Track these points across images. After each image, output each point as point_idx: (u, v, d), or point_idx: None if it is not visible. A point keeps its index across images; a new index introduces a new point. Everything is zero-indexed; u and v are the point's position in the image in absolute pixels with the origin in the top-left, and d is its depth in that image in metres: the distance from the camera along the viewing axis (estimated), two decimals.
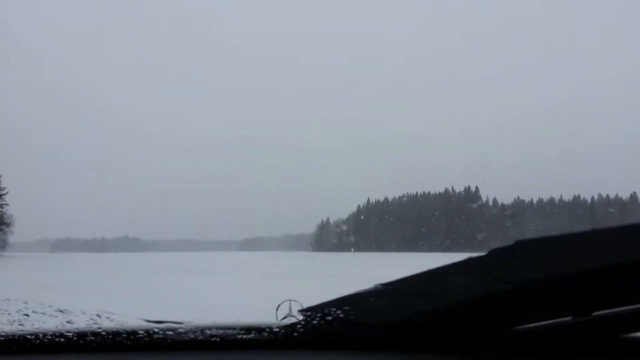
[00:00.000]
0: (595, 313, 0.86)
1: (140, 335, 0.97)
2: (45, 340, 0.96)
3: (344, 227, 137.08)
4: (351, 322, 0.93)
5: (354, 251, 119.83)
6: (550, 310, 0.85)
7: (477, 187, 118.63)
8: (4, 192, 70.68)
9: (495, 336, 0.92)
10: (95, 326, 0.99)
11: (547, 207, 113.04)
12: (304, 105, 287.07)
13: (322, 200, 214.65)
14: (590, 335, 0.91)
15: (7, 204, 72.16)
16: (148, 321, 1.01)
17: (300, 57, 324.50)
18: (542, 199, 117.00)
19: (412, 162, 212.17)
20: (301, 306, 2.07)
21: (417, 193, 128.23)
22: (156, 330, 0.98)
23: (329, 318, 0.95)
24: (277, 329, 0.99)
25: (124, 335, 0.97)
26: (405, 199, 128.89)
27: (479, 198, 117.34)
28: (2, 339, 0.95)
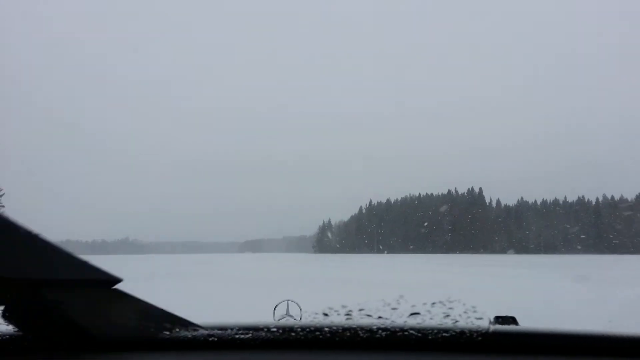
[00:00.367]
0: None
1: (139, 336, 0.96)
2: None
3: (346, 229, 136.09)
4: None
5: (358, 252, 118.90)
6: None
7: (480, 189, 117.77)
8: (0, 193, 69.34)
9: (495, 336, 0.93)
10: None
11: (551, 209, 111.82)
12: (303, 107, 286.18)
13: (323, 202, 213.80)
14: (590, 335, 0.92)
15: (3, 206, 70.61)
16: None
17: (299, 57, 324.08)
18: (546, 200, 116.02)
19: (414, 163, 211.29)
20: (299, 306, 2.17)
21: (419, 194, 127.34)
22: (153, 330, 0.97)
23: (329, 317, 0.95)
24: (274, 329, 0.98)
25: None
26: (408, 200, 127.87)
27: (483, 199, 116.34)
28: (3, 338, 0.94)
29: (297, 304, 2.24)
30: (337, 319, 1.02)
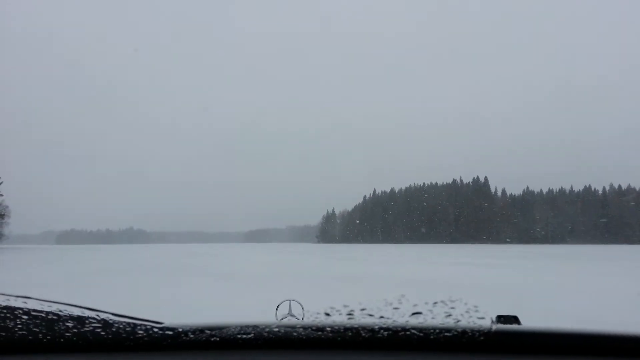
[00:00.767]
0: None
1: (140, 335, 0.96)
2: (45, 340, 0.95)
3: (350, 219, 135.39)
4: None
5: (362, 242, 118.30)
6: None
7: (486, 178, 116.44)
8: None
9: (497, 336, 0.93)
10: (94, 326, 0.97)
11: (558, 198, 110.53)
12: (309, 98, 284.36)
13: (327, 191, 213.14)
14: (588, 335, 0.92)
15: (1, 195, 69.46)
16: (147, 321, 1.00)
17: (305, 52, 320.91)
18: (552, 189, 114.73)
19: (418, 153, 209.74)
20: (301, 306, 2.18)
21: (424, 184, 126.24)
22: (156, 330, 0.97)
23: (329, 317, 0.95)
24: (276, 329, 0.98)
25: (124, 335, 0.96)
26: (412, 189, 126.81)
27: (488, 189, 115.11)
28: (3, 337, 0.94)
29: (299, 303, 2.22)
30: (339, 319, 1.02)
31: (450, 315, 1.00)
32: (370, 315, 1.02)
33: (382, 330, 0.95)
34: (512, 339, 0.94)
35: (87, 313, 0.93)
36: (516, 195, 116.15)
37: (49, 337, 0.95)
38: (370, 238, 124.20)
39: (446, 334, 0.94)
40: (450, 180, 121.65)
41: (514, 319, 1.19)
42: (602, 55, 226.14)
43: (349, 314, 1.04)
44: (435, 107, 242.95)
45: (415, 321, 1.00)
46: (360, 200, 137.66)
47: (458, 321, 0.98)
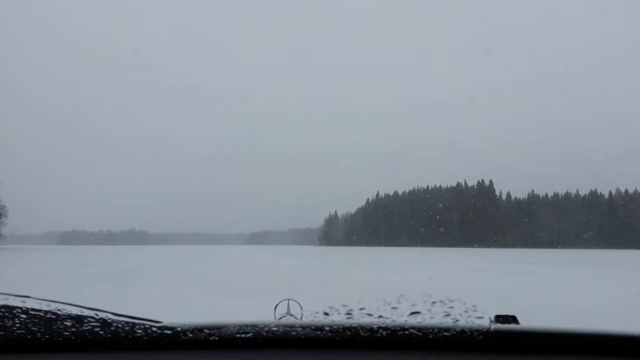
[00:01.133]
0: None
1: (139, 335, 0.96)
2: (44, 339, 0.94)
3: (353, 221, 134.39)
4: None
5: (365, 245, 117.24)
6: None
7: (491, 181, 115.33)
8: None
9: (496, 335, 0.94)
10: (93, 325, 0.96)
11: (563, 202, 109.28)
12: (310, 100, 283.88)
13: (330, 194, 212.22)
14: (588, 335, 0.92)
15: None
16: (146, 320, 0.99)
17: (305, 55, 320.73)
18: (558, 193, 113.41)
19: (422, 156, 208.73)
20: (299, 305, 2.19)
21: (428, 187, 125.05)
22: (154, 329, 0.97)
23: (329, 316, 0.95)
24: (275, 328, 0.98)
25: (122, 334, 0.96)
26: (416, 192, 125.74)
27: (493, 192, 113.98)
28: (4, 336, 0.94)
29: (298, 302, 2.22)
30: (338, 318, 1.02)
31: (448, 314, 0.99)
32: (369, 314, 1.02)
33: (380, 330, 0.95)
34: (511, 339, 0.94)
35: (86, 312, 0.92)
36: (521, 198, 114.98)
37: (47, 336, 0.94)
38: (373, 241, 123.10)
39: (445, 333, 0.93)
40: (454, 183, 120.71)
41: (513, 319, 1.20)
42: (606, 59, 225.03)
43: (348, 314, 1.03)
44: (440, 108, 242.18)
45: (414, 320, 0.99)
46: (363, 202, 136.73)
47: (457, 321, 0.97)
